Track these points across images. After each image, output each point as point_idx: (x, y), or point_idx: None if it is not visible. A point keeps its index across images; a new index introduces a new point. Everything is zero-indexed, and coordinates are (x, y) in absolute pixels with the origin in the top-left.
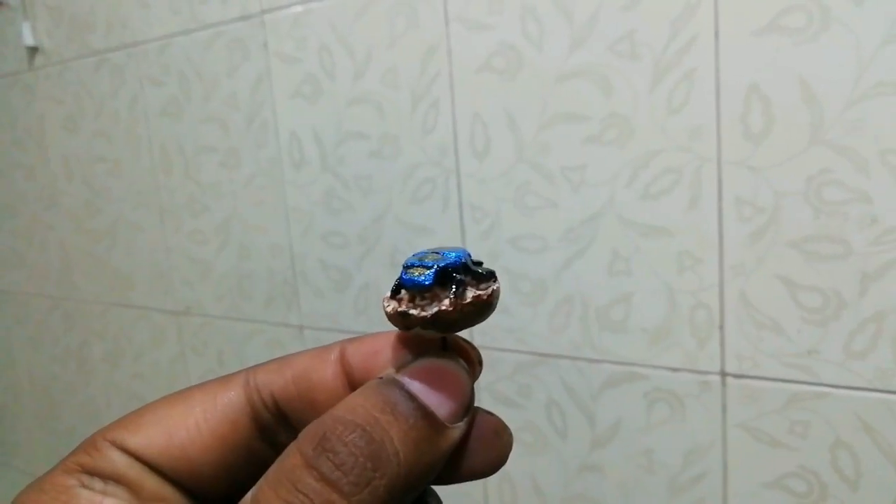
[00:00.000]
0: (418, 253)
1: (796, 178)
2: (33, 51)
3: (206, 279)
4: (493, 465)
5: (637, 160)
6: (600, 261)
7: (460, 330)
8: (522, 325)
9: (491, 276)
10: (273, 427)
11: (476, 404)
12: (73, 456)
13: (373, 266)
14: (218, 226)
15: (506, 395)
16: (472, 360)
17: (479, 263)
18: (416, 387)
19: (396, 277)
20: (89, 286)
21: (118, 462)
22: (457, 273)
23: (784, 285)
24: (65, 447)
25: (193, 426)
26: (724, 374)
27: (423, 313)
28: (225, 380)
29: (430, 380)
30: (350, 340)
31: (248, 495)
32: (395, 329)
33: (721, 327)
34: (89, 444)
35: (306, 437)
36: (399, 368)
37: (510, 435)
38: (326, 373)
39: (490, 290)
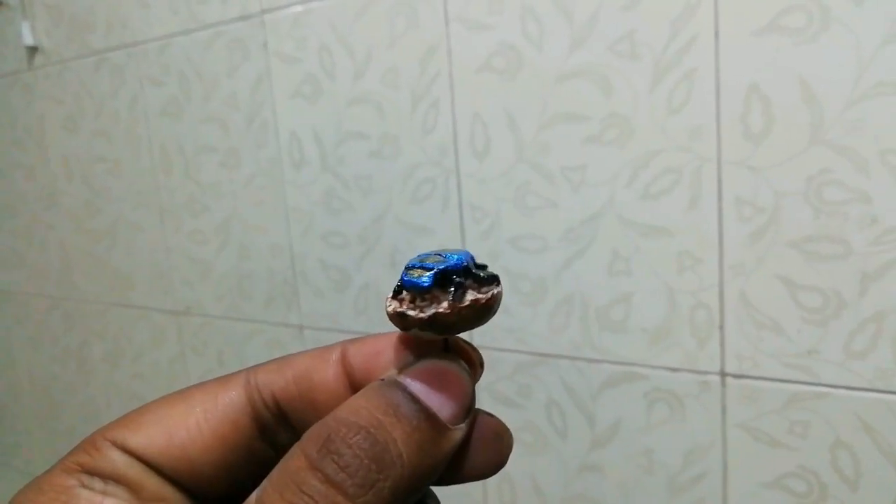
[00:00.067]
0: (422, 255)
1: (796, 178)
2: (33, 50)
3: (206, 279)
4: (493, 466)
5: (637, 160)
6: (600, 261)
7: (458, 332)
8: (522, 325)
9: (493, 280)
10: (273, 427)
11: (476, 405)
12: (73, 455)
13: (373, 266)
14: (218, 226)
15: (506, 396)
16: (473, 362)
17: (483, 266)
18: (418, 388)
19: (399, 278)
20: (89, 286)
21: (118, 462)
22: (457, 276)
23: (784, 285)
24: (65, 447)
25: (194, 426)
26: (723, 374)
27: (421, 314)
28: (225, 379)
29: (432, 381)
30: (351, 341)
31: (253, 497)
32: (397, 330)
33: (721, 327)
34: (89, 444)
35: (310, 438)
36: (401, 370)
37: (511, 436)
38: (327, 373)
39: (489, 294)
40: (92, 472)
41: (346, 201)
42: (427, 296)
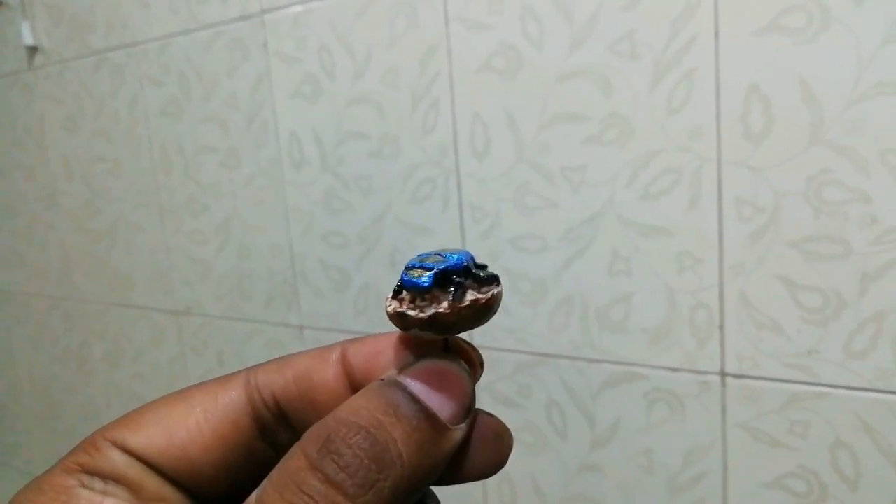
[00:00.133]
0: (422, 255)
1: (796, 178)
2: (33, 50)
3: (206, 279)
4: (493, 466)
5: (637, 160)
6: (600, 261)
7: (458, 332)
8: (522, 325)
9: (492, 280)
10: (273, 427)
11: (476, 405)
12: (73, 455)
13: (373, 266)
14: (218, 226)
15: (506, 395)
16: (473, 362)
17: (484, 267)
18: (418, 388)
19: (399, 278)
20: (89, 286)
21: (118, 462)
22: (457, 276)
23: (784, 285)
24: (65, 447)
25: (194, 426)
26: (723, 374)
27: (421, 314)
28: (225, 379)
29: (432, 381)
30: (351, 341)
31: (253, 497)
32: (397, 330)
33: (721, 327)
34: (89, 444)
35: (310, 438)
36: (401, 370)
37: (511, 436)
38: (328, 373)
39: (489, 294)
40: (92, 472)
41: (346, 201)
42: (427, 296)
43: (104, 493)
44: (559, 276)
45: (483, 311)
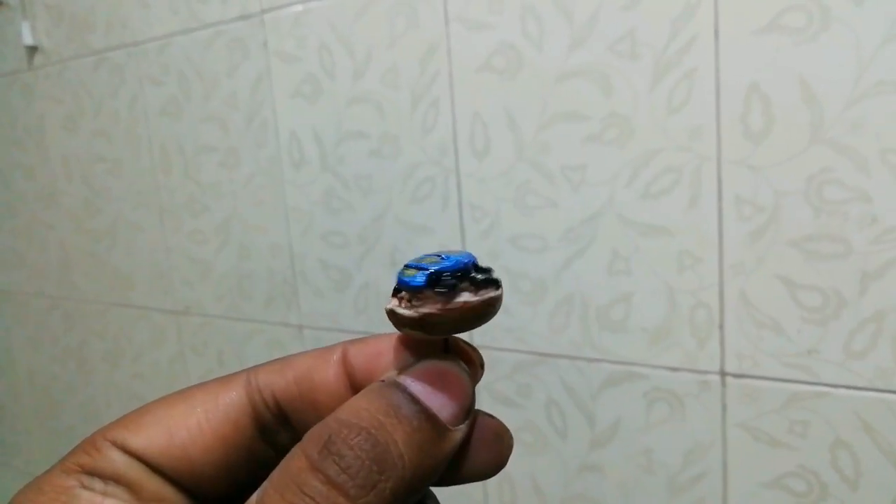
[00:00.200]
0: (426, 255)
1: (796, 178)
2: (33, 50)
3: (205, 279)
4: (493, 467)
5: (637, 159)
6: (600, 260)
7: (447, 334)
8: (522, 324)
9: (489, 284)
10: (274, 427)
11: (476, 405)
12: (73, 456)
13: (373, 266)
14: (218, 226)
15: (505, 395)
16: (473, 363)
17: (487, 270)
18: (418, 389)
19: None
20: (89, 286)
21: (118, 462)
22: (451, 277)
23: (784, 285)
24: (65, 447)
25: (195, 426)
26: (723, 373)
27: (411, 313)
28: (226, 380)
29: (432, 382)
30: (352, 342)
31: (254, 498)
32: (397, 330)
33: (721, 327)
34: (89, 444)
35: (311, 439)
36: (401, 370)
37: (511, 437)
38: (328, 374)
39: (483, 298)
40: (92, 473)
41: (346, 201)
42: (420, 295)
43: (104, 493)
44: (559, 275)
45: (474, 315)
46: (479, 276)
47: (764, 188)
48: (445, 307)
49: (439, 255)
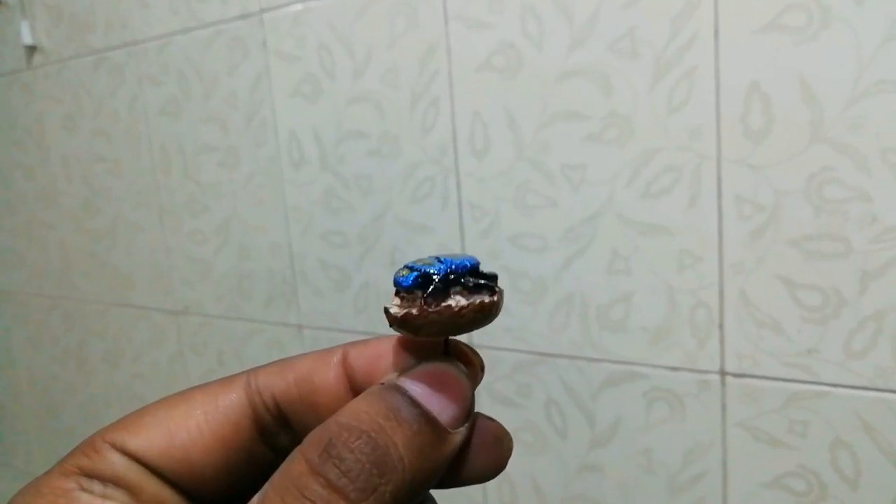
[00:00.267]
0: (429, 257)
1: (796, 177)
2: (32, 50)
3: (205, 279)
4: (493, 469)
5: (637, 159)
6: (600, 260)
7: (438, 336)
8: (522, 324)
9: (481, 289)
10: (274, 429)
11: (476, 406)
12: (72, 458)
13: (372, 265)
14: (217, 225)
15: (505, 395)
16: (473, 366)
17: (489, 276)
18: (418, 392)
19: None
20: (89, 286)
21: (118, 464)
22: (442, 280)
23: (784, 284)
24: (65, 447)
25: (195, 428)
26: (723, 373)
27: (395, 312)
28: (226, 381)
29: (432, 385)
30: (352, 344)
31: (255, 500)
32: (397, 333)
33: (721, 326)
34: (88, 446)
35: (311, 443)
36: (401, 373)
37: (511, 440)
38: (328, 376)
39: (469, 302)
40: (91, 475)
41: (346, 200)
42: (410, 296)
43: (103, 496)
44: (559, 275)
45: (466, 319)
46: (472, 281)
47: (764, 187)
48: (431, 309)
49: (438, 258)
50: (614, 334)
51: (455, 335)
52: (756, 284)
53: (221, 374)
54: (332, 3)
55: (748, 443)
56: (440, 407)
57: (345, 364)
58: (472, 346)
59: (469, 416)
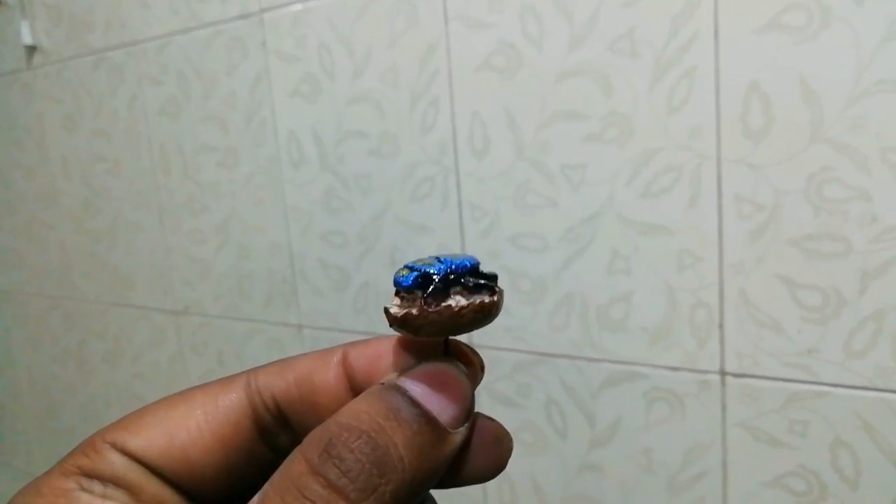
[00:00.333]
0: (429, 257)
1: (796, 176)
2: (32, 50)
3: (205, 279)
4: (493, 469)
5: (637, 159)
6: (600, 260)
7: (437, 335)
8: (522, 323)
9: (480, 289)
10: (274, 429)
11: (476, 406)
12: (72, 458)
13: (372, 265)
14: (217, 225)
15: (505, 395)
16: (473, 366)
17: (490, 276)
18: (418, 392)
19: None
20: (89, 286)
21: (118, 464)
22: (442, 280)
23: (784, 284)
24: (64, 447)
25: (195, 428)
26: (723, 373)
27: (395, 312)
28: (226, 381)
29: (432, 385)
30: (352, 344)
31: (255, 500)
32: (397, 333)
33: (721, 326)
34: (88, 446)
35: (311, 443)
36: (401, 373)
37: (511, 440)
38: (328, 376)
39: (469, 303)
40: (91, 475)
41: (346, 200)
42: (409, 296)
43: (103, 496)
44: (559, 274)
45: (465, 319)
46: (471, 281)
47: (764, 187)
48: (431, 309)
49: (439, 258)
50: (614, 334)
51: (455, 335)
52: (756, 284)
53: (221, 374)
54: (331, 2)
55: (748, 443)
56: (440, 407)
57: (345, 364)
58: (472, 346)
59: (469, 416)
